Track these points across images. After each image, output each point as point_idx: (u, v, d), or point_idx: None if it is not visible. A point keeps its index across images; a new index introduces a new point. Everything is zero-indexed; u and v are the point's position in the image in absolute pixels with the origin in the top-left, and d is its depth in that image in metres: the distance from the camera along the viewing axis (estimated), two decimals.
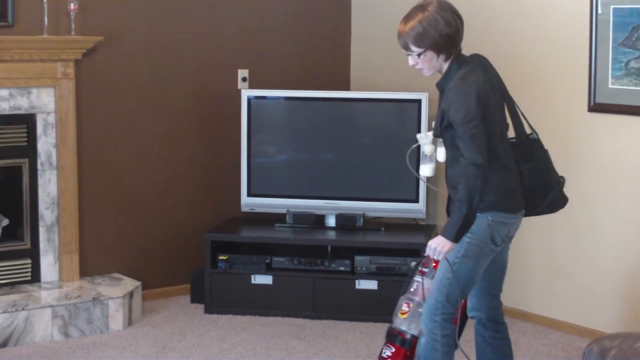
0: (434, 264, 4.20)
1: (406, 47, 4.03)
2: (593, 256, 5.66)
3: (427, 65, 4.06)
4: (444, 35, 3.99)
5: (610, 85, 5.46)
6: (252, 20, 6.64)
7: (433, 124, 4.18)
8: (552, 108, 5.80)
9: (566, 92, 5.72)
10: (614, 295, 5.56)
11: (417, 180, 6.04)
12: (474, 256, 4.03)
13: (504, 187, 4.05)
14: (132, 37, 6.18)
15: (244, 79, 6.62)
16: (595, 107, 5.55)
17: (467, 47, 6.23)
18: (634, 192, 5.44)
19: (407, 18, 4.02)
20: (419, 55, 4.02)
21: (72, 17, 5.80)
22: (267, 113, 6.42)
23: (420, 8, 4.02)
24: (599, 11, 5.44)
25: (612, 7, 5.38)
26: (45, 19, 5.73)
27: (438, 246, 3.96)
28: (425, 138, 4.23)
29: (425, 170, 4.28)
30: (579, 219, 5.70)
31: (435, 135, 4.12)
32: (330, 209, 6.30)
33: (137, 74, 6.23)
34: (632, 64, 5.34)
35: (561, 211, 5.81)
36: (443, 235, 3.96)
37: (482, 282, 4.20)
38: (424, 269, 4.27)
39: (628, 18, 5.32)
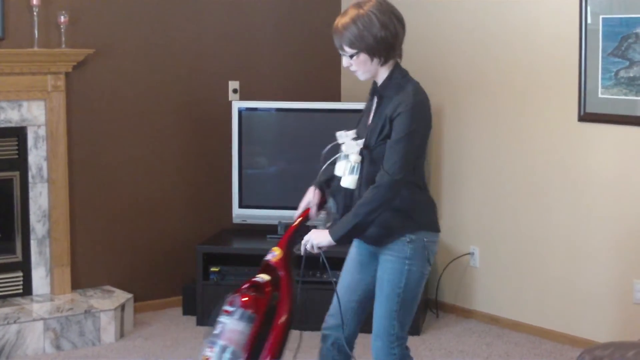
0: (244, 300, 3.93)
1: (340, 47, 3.81)
2: (585, 266, 5.66)
3: (361, 68, 3.82)
4: (378, 38, 3.74)
5: (600, 95, 5.47)
6: (243, 32, 6.65)
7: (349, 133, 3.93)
8: (543, 117, 5.81)
9: (556, 102, 5.73)
10: (606, 305, 5.57)
11: None
12: (415, 281, 3.88)
13: (432, 206, 3.95)
14: (123, 49, 6.19)
15: (234, 91, 6.62)
16: (585, 117, 5.56)
17: (460, 57, 6.26)
18: (625, 201, 5.44)
19: (343, 15, 3.80)
20: (351, 56, 3.79)
21: (62, 30, 5.80)
22: (258, 124, 6.42)
23: (357, 6, 3.78)
24: (589, 21, 5.45)
25: (601, 17, 5.40)
26: (36, 31, 5.73)
27: (315, 239, 3.85)
28: (345, 137, 3.91)
29: (348, 181, 3.88)
30: (570, 229, 5.71)
31: (366, 146, 3.83)
32: (322, 219, 6.28)
33: (127, 86, 6.23)
34: (622, 73, 5.35)
35: (553, 221, 5.85)
36: (329, 230, 3.85)
37: (368, 299, 4.03)
38: (230, 308, 3.93)
39: (617, 28, 5.33)
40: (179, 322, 6.16)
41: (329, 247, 3.90)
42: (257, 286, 4.02)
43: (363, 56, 3.78)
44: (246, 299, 3.94)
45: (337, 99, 7.03)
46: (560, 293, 5.80)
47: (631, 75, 5.31)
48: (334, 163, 3.98)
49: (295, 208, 6.22)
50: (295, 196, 6.34)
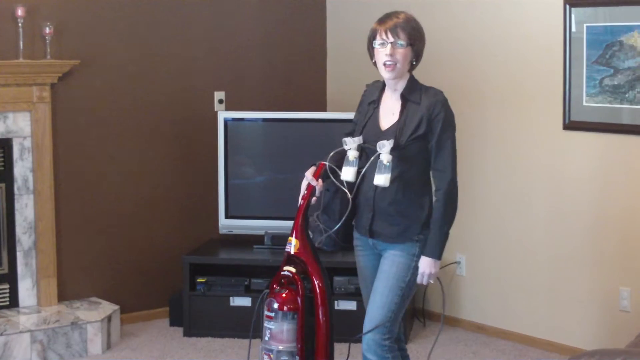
0: (280, 302, 4.14)
1: (395, 34, 3.95)
2: (571, 273, 5.67)
3: (401, 62, 3.97)
4: (423, 46, 4.06)
5: (584, 103, 5.49)
6: (228, 42, 6.65)
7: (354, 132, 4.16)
8: (528, 126, 5.82)
9: (541, 110, 5.74)
10: (592, 312, 5.58)
11: None
12: (415, 278, 4.07)
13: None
14: (108, 60, 6.18)
15: (220, 101, 6.62)
16: (570, 125, 5.58)
17: (444, 65, 6.28)
18: (609, 209, 5.46)
19: (396, 13, 4.01)
20: (408, 45, 3.97)
21: (47, 41, 5.80)
22: (244, 135, 6.42)
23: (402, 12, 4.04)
24: (573, 29, 5.47)
25: (585, 25, 5.42)
26: (21, 43, 5.72)
27: (428, 269, 4.00)
28: (352, 143, 4.08)
29: (381, 180, 3.98)
30: (556, 237, 5.72)
31: (397, 145, 3.97)
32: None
33: (113, 97, 6.23)
34: (606, 81, 5.37)
35: (539, 229, 5.86)
36: (429, 256, 3.99)
37: None
38: (270, 313, 4.17)
39: (602, 36, 5.35)
40: (166, 333, 6.15)
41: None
42: (288, 279, 4.18)
43: (411, 52, 3.99)
44: (281, 299, 4.15)
45: (323, 108, 7.04)
46: (546, 301, 5.81)
47: (615, 83, 5.33)
48: (336, 158, 4.13)
49: (282, 218, 6.26)
50: (282, 206, 6.38)
